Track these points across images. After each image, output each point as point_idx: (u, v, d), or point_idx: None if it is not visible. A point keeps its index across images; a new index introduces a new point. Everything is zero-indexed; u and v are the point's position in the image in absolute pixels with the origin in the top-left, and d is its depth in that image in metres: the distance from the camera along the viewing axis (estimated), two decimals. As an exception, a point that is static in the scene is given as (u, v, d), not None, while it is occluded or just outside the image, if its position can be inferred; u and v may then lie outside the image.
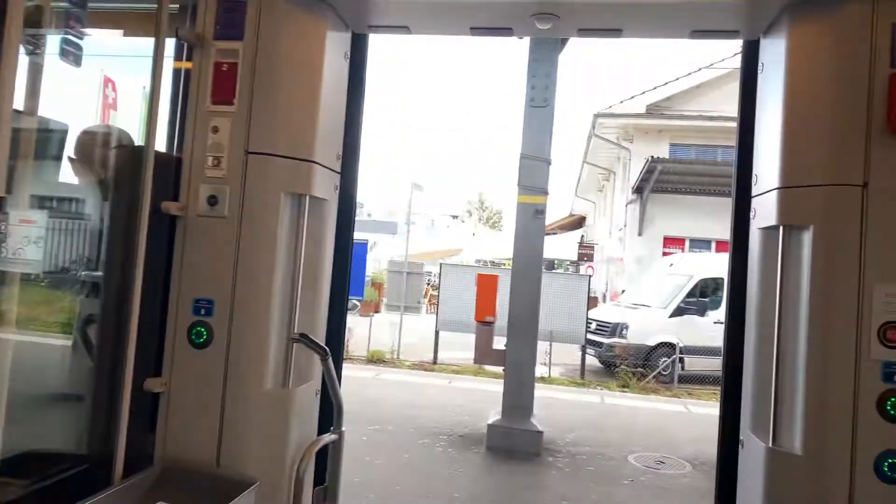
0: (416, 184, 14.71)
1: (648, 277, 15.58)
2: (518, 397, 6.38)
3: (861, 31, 2.13)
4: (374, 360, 12.68)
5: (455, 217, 55.94)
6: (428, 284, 22.93)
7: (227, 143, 2.39)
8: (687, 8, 2.39)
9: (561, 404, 8.52)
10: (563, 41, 7.24)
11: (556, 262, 30.23)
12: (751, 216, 2.52)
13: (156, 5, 2.22)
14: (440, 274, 13.36)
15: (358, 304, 20.77)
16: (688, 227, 18.02)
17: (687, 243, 18.57)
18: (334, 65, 2.64)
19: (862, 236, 2.09)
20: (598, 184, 27.89)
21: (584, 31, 2.64)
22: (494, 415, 6.62)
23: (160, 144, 2.43)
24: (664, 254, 17.86)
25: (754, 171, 2.51)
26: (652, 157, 16.83)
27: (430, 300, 22.00)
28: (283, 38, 2.42)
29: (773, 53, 2.39)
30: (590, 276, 14.63)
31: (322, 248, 2.65)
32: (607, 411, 8.50)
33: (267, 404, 2.41)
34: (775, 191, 2.27)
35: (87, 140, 2.49)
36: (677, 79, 19.73)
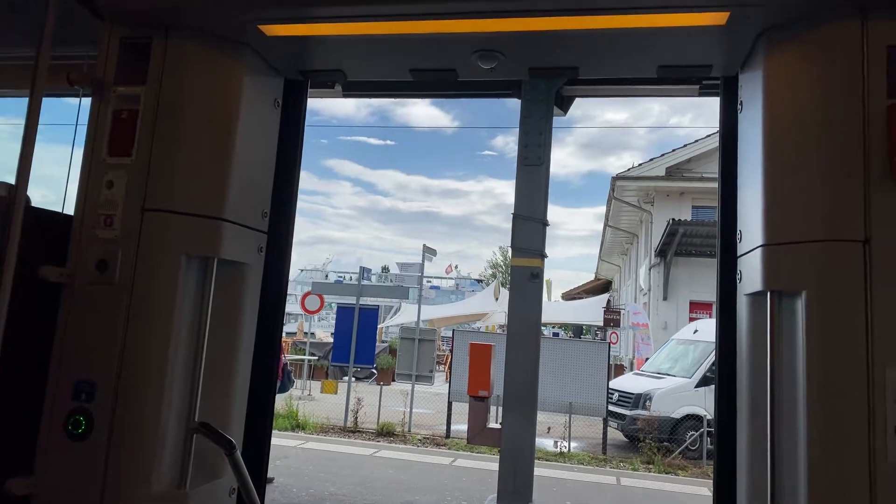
0: (429, 248, 14.42)
1: (673, 344, 14.84)
2: (513, 482, 5.78)
3: (850, 57, 1.77)
4: (384, 433, 12.09)
5: (480, 281, 55.56)
6: (449, 351, 22.36)
7: (122, 200, 2.10)
8: (650, 39, 2.07)
9: (569, 486, 7.81)
10: (566, 99, 7.01)
11: (584, 328, 29.43)
12: (737, 279, 2.11)
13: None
14: (452, 340, 12.87)
15: (375, 371, 20.28)
16: (714, 291, 17.31)
17: (715, 308, 17.81)
18: (258, 113, 2.37)
19: (867, 305, 1.65)
20: (621, 247, 27.39)
21: (536, 70, 2.34)
22: (489, 502, 6.02)
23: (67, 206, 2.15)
24: (690, 319, 17.11)
25: (738, 227, 2.12)
26: (673, 219, 16.38)
27: (448, 367, 21.37)
28: (190, 82, 2.16)
29: (752, 90, 2.04)
30: (610, 344, 13.95)
31: (239, 319, 2.30)
32: (620, 496, 7.76)
33: None
34: (760, 249, 1.87)
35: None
36: (696, 141, 19.48)
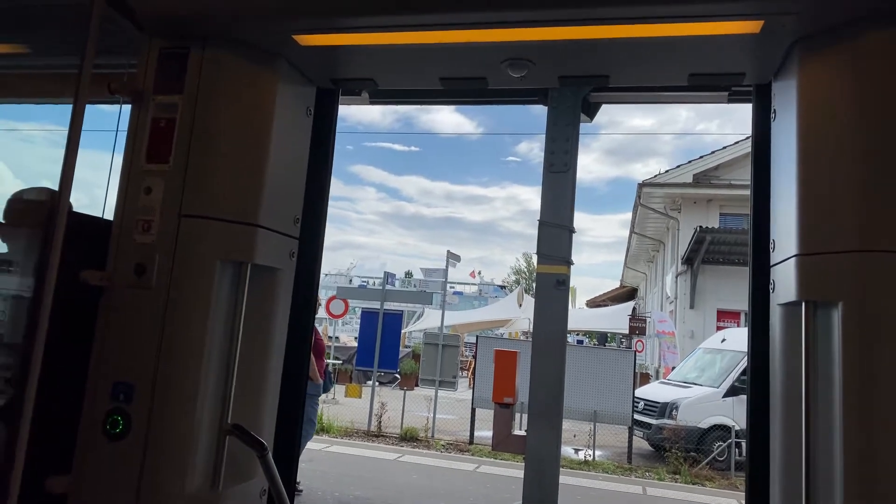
0: (453, 253, 14.43)
1: (700, 353, 14.63)
2: (538, 490, 5.74)
3: (886, 67, 1.74)
4: (408, 437, 12.10)
5: (503, 287, 55.38)
6: (472, 357, 22.33)
7: (160, 206, 2.15)
8: (682, 47, 2.06)
9: (595, 495, 7.74)
10: (592, 105, 6.98)
11: (608, 335, 29.13)
12: (770, 289, 2.09)
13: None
14: (476, 346, 12.85)
15: (399, 376, 20.31)
16: (743, 300, 16.98)
17: (742, 317, 17.52)
18: (292, 121, 2.41)
19: None
20: (647, 254, 27.10)
21: (566, 79, 2.34)
22: (515, 508, 5.99)
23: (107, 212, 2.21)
24: (718, 328, 16.86)
25: (772, 237, 2.10)
26: (700, 226, 16.17)
27: (471, 373, 21.34)
28: (226, 91, 2.21)
29: (786, 98, 2.02)
30: (636, 352, 13.81)
31: (271, 324, 2.34)
32: (648, 506, 7.68)
33: None
34: (794, 258, 1.85)
35: (17, 204, 2.30)
36: (724, 147, 19.23)
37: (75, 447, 2.08)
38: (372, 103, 3.36)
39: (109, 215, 2.24)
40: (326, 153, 2.62)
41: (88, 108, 2.09)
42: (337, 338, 24.29)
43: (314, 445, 9.32)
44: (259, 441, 2.11)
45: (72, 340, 2.10)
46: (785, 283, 1.93)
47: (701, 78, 2.22)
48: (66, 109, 2.08)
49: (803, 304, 1.80)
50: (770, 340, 2.08)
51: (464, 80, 2.40)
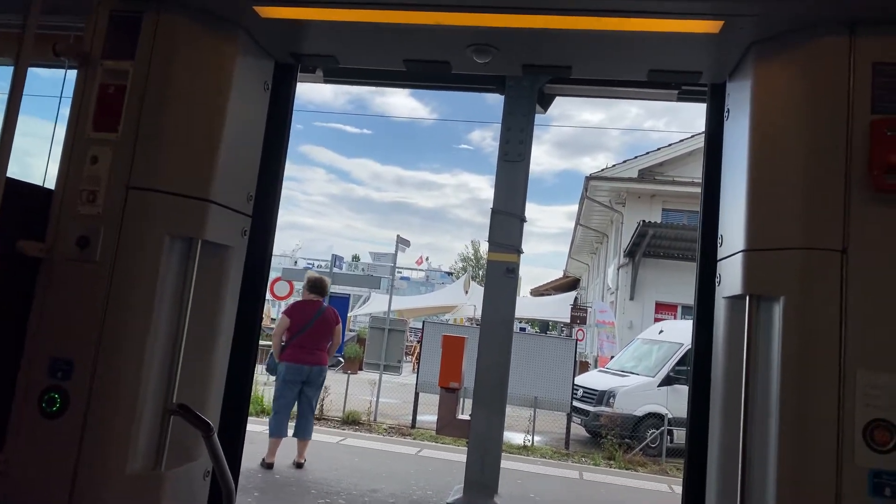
0: (403, 238, 14.38)
1: (638, 343, 15.11)
2: (481, 473, 5.85)
3: (837, 72, 1.82)
4: (350, 421, 12.06)
5: (450, 274, 55.61)
6: (418, 342, 22.38)
7: (106, 176, 2.06)
8: (644, 43, 2.11)
9: (535, 480, 7.89)
10: (547, 97, 7.04)
11: (550, 323, 29.67)
12: (716, 282, 2.17)
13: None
14: (422, 331, 12.89)
15: (343, 360, 20.17)
16: (680, 293, 17.64)
17: (679, 310, 18.17)
18: (248, 95, 2.34)
19: (842, 311, 1.72)
20: (591, 246, 27.70)
21: (529, 68, 2.36)
22: (455, 492, 6.08)
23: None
24: (656, 319, 17.42)
25: (720, 231, 2.18)
26: (643, 221, 16.62)
27: (416, 358, 21.40)
28: (182, 60, 2.12)
29: (739, 98, 2.09)
30: (577, 341, 14.14)
31: (220, 302, 2.28)
32: (583, 490, 7.88)
33: (131, 490, 1.99)
34: (741, 254, 1.92)
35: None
36: (669, 145, 19.77)
37: (7, 425, 1.99)
38: (326, 82, 3.29)
39: (50, 185, 2.13)
40: (282, 130, 2.56)
41: (32, 71, 1.98)
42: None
43: (254, 427, 9.18)
44: (205, 421, 2.06)
45: (4, 314, 2.00)
46: (731, 277, 2.01)
47: (659, 74, 2.27)
48: (6, 72, 1.96)
49: (748, 297, 1.88)
50: (714, 332, 2.16)
51: (428, 62, 2.38)
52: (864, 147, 1.76)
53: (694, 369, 2.27)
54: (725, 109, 2.23)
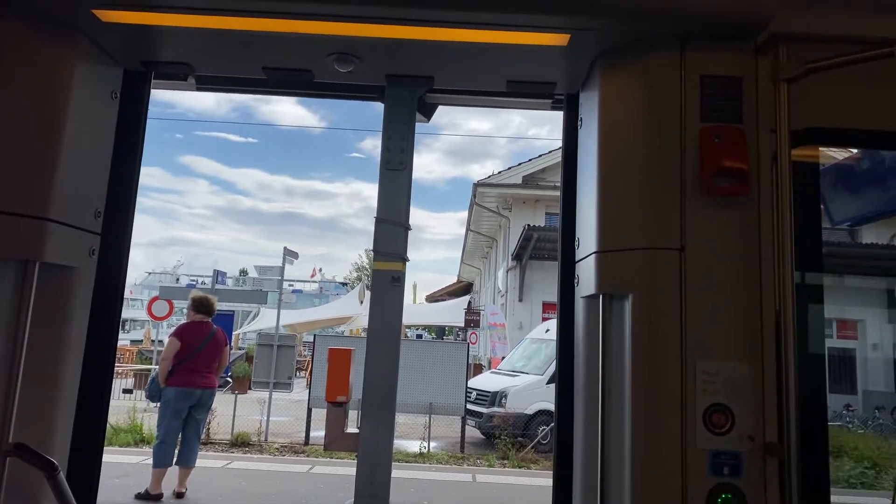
0: (290, 250, 14.01)
1: (527, 343, 15.62)
2: (371, 486, 5.76)
3: (670, 84, 1.97)
4: (239, 443, 11.56)
5: (345, 284, 54.89)
6: (310, 357, 21.84)
7: None
8: (501, 55, 2.17)
9: (429, 486, 7.94)
10: (428, 105, 7.12)
11: (447, 329, 30.01)
12: (575, 283, 2.27)
13: None
14: (314, 345, 12.61)
15: (230, 380, 19.26)
16: (565, 294, 18.42)
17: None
18: (92, 105, 2.18)
19: (682, 305, 1.86)
20: (482, 250, 28.35)
21: (393, 78, 2.36)
22: (348, 506, 5.97)
23: None
24: (543, 319, 18.10)
25: (577, 235, 2.28)
26: (528, 225, 17.25)
27: (309, 373, 20.89)
28: (11, 66, 1.94)
29: (590, 108, 2.21)
30: (469, 344, 14.39)
31: (66, 328, 2.09)
32: (475, 493, 8.03)
33: None
34: (594, 255, 2.03)
35: None
36: (550, 152, 20.66)
37: None
38: (199, 90, 3.14)
39: None
40: (136, 141, 2.40)
41: None
42: (161, 341, 22.51)
43: (131, 458, 8.55)
44: (47, 460, 1.89)
45: None
46: (587, 277, 2.11)
47: (517, 85, 2.35)
48: None
49: (601, 296, 1.98)
50: (575, 331, 2.26)
51: (288, 70, 2.33)
52: (695, 153, 1.91)
53: (559, 367, 2.37)
54: (579, 118, 2.34)
